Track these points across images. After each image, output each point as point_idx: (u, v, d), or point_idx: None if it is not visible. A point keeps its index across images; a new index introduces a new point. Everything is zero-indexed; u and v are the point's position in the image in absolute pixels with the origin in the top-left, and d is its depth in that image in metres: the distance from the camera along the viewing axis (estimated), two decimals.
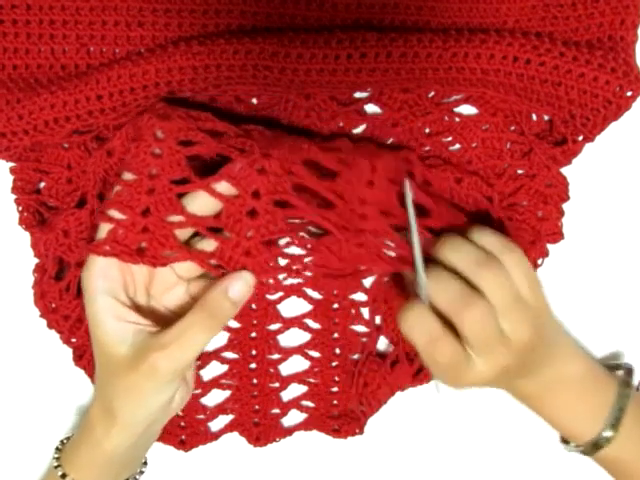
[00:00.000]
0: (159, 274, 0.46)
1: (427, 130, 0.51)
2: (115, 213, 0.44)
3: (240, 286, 0.45)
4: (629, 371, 0.52)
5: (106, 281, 0.44)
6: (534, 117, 0.50)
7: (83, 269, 0.45)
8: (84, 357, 0.52)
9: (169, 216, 0.44)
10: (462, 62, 0.47)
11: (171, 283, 0.47)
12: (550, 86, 0.47)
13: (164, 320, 0.46)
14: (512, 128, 0.51)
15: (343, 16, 0.49)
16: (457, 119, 0.51)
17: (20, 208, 0.50)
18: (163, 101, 0.47)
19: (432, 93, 0.50)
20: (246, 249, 0.44)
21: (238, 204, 0.44)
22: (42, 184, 0.50)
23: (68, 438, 0.51)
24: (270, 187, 0.44)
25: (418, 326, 0.45)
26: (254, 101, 0.50)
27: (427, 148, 0.51)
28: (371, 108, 0.51)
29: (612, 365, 0.53)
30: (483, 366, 0.45)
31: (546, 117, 0.50)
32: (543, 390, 0.49)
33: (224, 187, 0.44)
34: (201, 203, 0.44)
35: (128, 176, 0.44)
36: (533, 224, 0.51)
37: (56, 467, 0.48)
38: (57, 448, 0.50)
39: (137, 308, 0.46)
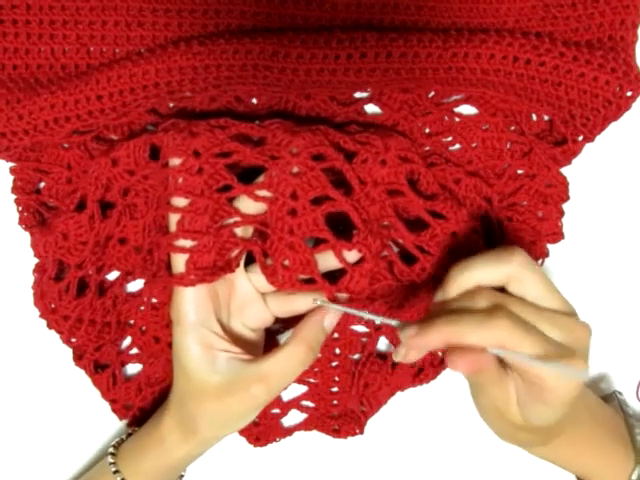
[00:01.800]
0: (238, 289, 0.48)
1: (427, 130, 0.51)
2: (185, 242, 0.45)
3: (332, 318, 0.47)
4: (620, 400, 0.52)
5: (198, 313, 0.46)
6: (534, 117, 0.50)
7: (172, 303, 0.47)
8: (84, 357, 0.51)
9: (226, 220, 0.46)
10: (462, 62, 0.47)
11: (249, 297, 0.48)
12: (550, 86, 0.47)
13: (243, 341, 0.48)
14: (512, 128, 0.51)
15: (343, 16, 0.49)
16: (457, 119, 0.51)
17: (20, 208, 0.50)
18: (179, 118, 0.48)
19: (432, 93, 0.50)
20: (289, 243, 0.46)
21: (279, 204, 0.45)
22: (42, 184, 0.50)
23: (119, 443, 0.51)
24: (306, 186, 0.45)
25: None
26: (254, 101, 0.50)
27: (427, 148, 0.51)
28: (371, 108, 0.51)
29: (604, 396, 0.53)
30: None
31: (546, 117, 0.50)
32: (572, 448, 0.48)
33: (264, 191, 0.46)
34: (248, 205, 0.46)
35: (180, 202, 0.45)
36: (533, 224, 0.51)
37: (115, 472, 0.49)
38: (112, 453, 0.50)
39: (224, 332, 0.47)
